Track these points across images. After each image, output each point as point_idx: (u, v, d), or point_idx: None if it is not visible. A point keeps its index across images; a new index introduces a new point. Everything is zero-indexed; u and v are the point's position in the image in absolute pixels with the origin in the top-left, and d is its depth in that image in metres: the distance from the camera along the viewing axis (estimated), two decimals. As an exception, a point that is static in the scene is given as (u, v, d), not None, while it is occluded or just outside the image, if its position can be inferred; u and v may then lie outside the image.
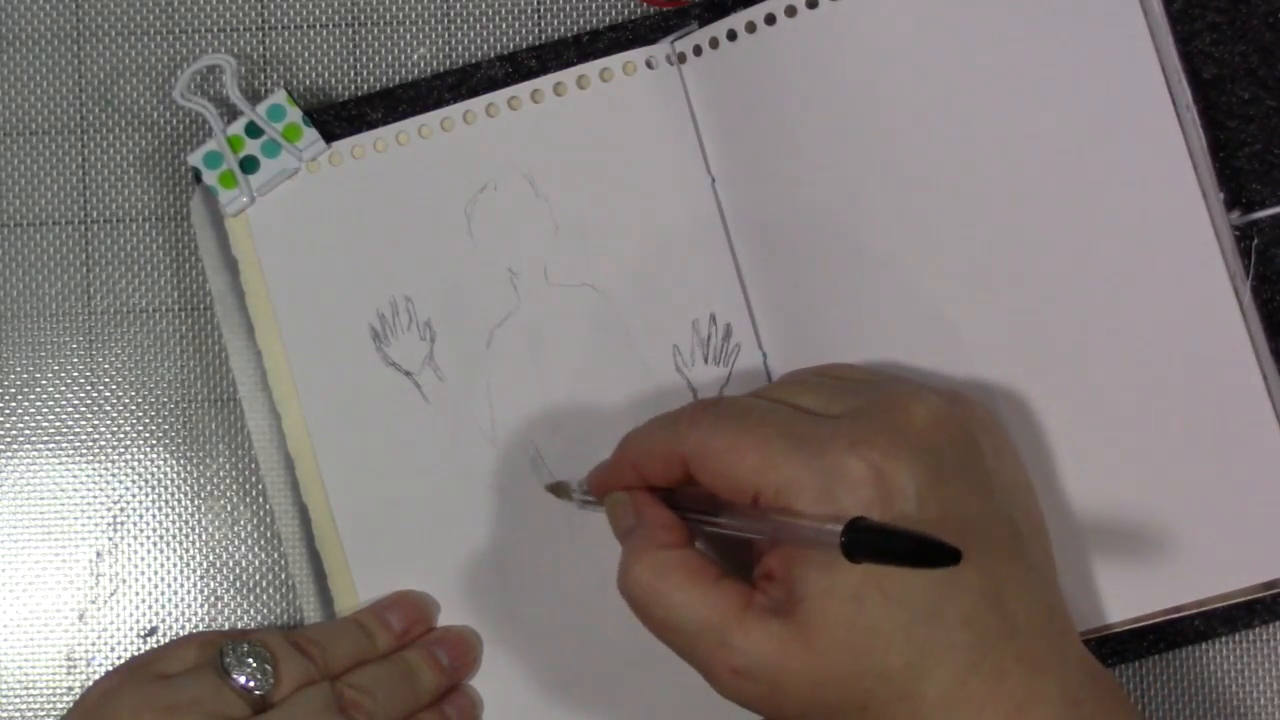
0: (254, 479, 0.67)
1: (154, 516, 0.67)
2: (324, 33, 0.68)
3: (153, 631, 0.67)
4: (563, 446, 0.65)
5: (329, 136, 0.66)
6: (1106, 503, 0.63)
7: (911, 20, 0.63)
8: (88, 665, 0.67)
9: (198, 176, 0.66)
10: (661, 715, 0.65)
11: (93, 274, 0.68)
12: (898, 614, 0.54)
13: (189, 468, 0.67)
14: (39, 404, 0.67)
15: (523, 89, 0.66)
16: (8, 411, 0.67)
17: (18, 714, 0.67)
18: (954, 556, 0.50)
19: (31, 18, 0.68)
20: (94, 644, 0.67)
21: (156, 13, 0.68)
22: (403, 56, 0.68)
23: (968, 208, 0.63)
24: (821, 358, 0.63)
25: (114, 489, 0.67)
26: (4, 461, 0.67)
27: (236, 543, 0.67)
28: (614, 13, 0.68)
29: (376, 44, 0.68)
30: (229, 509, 0.67)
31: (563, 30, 0.68)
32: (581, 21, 0.68)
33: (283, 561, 0.67)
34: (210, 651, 0.60)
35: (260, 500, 0.67)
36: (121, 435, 0.67)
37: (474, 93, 0.66)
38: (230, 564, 0.67)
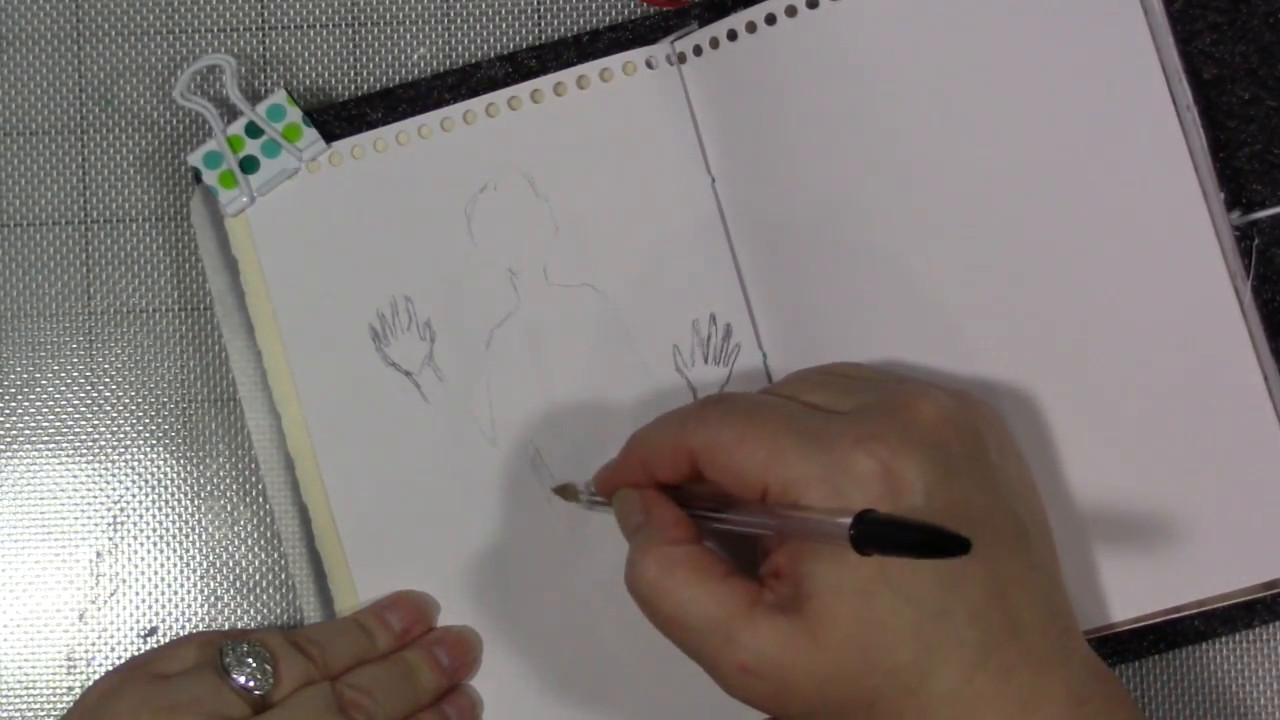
0: (254, 479, 0.67)
1: (154, 516, 0.67)
2: (324, 33, 0.68)
3: (153, 631, 0.67)
4: (563, 446, 0.65)
5: (329, 136, 0.66)
6: (1107, 502, 0.63)
7: (911, 20, 0.63)
8: (88, 665, 0.67)
9: (198, 176, 0.66)
10: (662, 715, 0.65)
11: (93, 274, 0.68)
12: (906, 610, 0.54)
13: (189, 468, 0.67)
14: (39, 404, 0.67)
15: (523, 89, 0.66)
16: (8, 411, 0.67)
17: (18, 714, 0.67)
18: (964, 546, 0.50)
19: (31, 18, 0.68)
20: (94, 644, 0.67)
21: (156, 13, 0.68)
22: (403, 56, 0.68)
23: (968, 207, 0.63)
24: (822, 357, 0.63)
25: (114, 489, 0.67)
26: (4, 461, 0.67)
27: (236, 543, 0.67)
28: (614, 13, 0.68)
29: (376, 44, 0.68)
30: (229, 509, 0.67)
31: (563, 30, 0.68)
32: (581, 21, 0.68)
33: (283, 561, 0.67)
34: (210, 651, 0.60)
35: (260, 500, 0.67)
36: (121, 435, 0.67)
37: (474, 93, 0.66)
38: (230, 564, 0.67)
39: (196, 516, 0.67)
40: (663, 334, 0.65)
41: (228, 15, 0.68)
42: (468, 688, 0.65)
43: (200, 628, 0.67)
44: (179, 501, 0.67)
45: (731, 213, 0.65)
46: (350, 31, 0.68)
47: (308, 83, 0.68)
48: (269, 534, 0.67)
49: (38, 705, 0.67)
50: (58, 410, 0.67)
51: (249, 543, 0.67)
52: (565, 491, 0.64)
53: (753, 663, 0.55)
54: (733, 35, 0.65)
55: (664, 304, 0.65)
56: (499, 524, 0.65)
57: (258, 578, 0.67)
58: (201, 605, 0.67)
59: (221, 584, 0.67)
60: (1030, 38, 0.63)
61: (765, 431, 0.56)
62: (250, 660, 0.59)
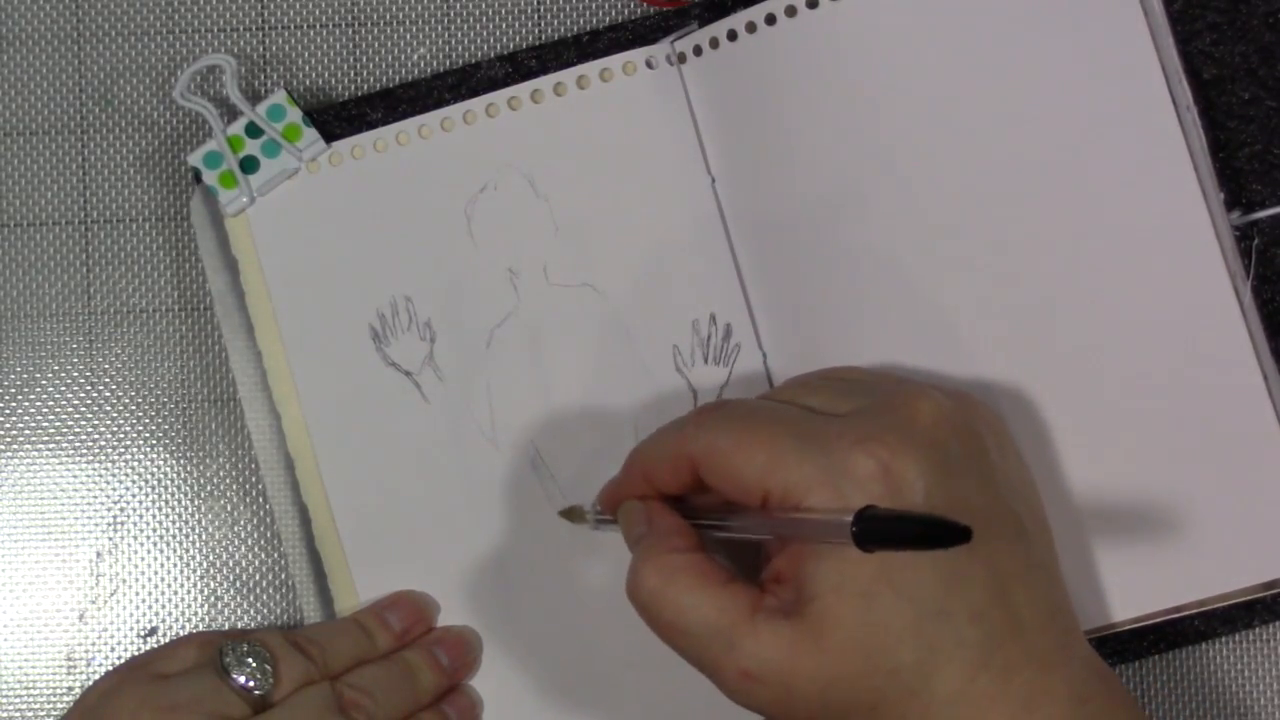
0: (254, 479, 0.67)
1: (154, 516, 0.67)
2: (324, 33, 0.68)
3: (153, 631, 0.67)
4: (563, 447, 0.65)
5: (329, 136, 0.66)
6: (1107, 502, 0.63)
7: (911, 20, 0.63)
8: (88, 665, 0.67)
9: (198, 176, 0.66)
10: (662, 715, 0.65)
11: (93, 274, 0.68)
12: (908, 610, 0.54)
13: (189, 468, 0.67)
14: (39, 404, 0.67)
15: (523, 89, 0.66)
16: (8, 411, 0.67)
17: (18, 714, 0.67)
18: (965, 535, 0.50)
19: (31, 18, 0.68)
20: (94, 644, 0.67)
21: (156, 13, 0.68)
22: (403, 56, 0.68)
23: (967, 208, 0.63)
24: (821, 357, 0.63)
25: (114, 489, 0.67)
26: (4, 461, 0.67)
27: (236, 543, 0.67)
28: (614, 13, 0.68)
29: (376, 44, 0.68)
30: (229, 509, 0.67)
31: (563, 30, 0.68)
32: (581, 21, 0.68)
33: (283, 561, 0.67)
34: (210, 651, 0.60)
35: (260, 500, 0.67)
36: (121, 435, 0.67)
37: (474, 93, 0.66)
38: (230, 564, 0.67)
39: (196, 516, 0.67)
40: (663, 334, 0.65)
41: (228, 15, 0.68)
42: (468, 688, 0.65)
43: (200, 628, 0.67)
44: (179, 501, 0.67)
45: (731, 213, 0.65)
46: (350, 31, 0.68)
47: (308, 83, 0.68)
48: (269, 534, 0.67)
49: (38, 705, 0.67)
50: (58, 410, 0.67)
51: (249, 543, 0.67)
52: (572, 514, 0.64)
53: (756, 668, 0.55)
54: (733, 35, 0.65)
55: (664, 304, 0.65)
56: (499, 524, 0.65)
57: (258, 578, 0.67)
58: (201, 605, 0.67)
59: (221, 584, 0.67)
60: (1030, 38, 0.63)
61: (764, 435, 0.56)
62: (250, 660, 0.59)
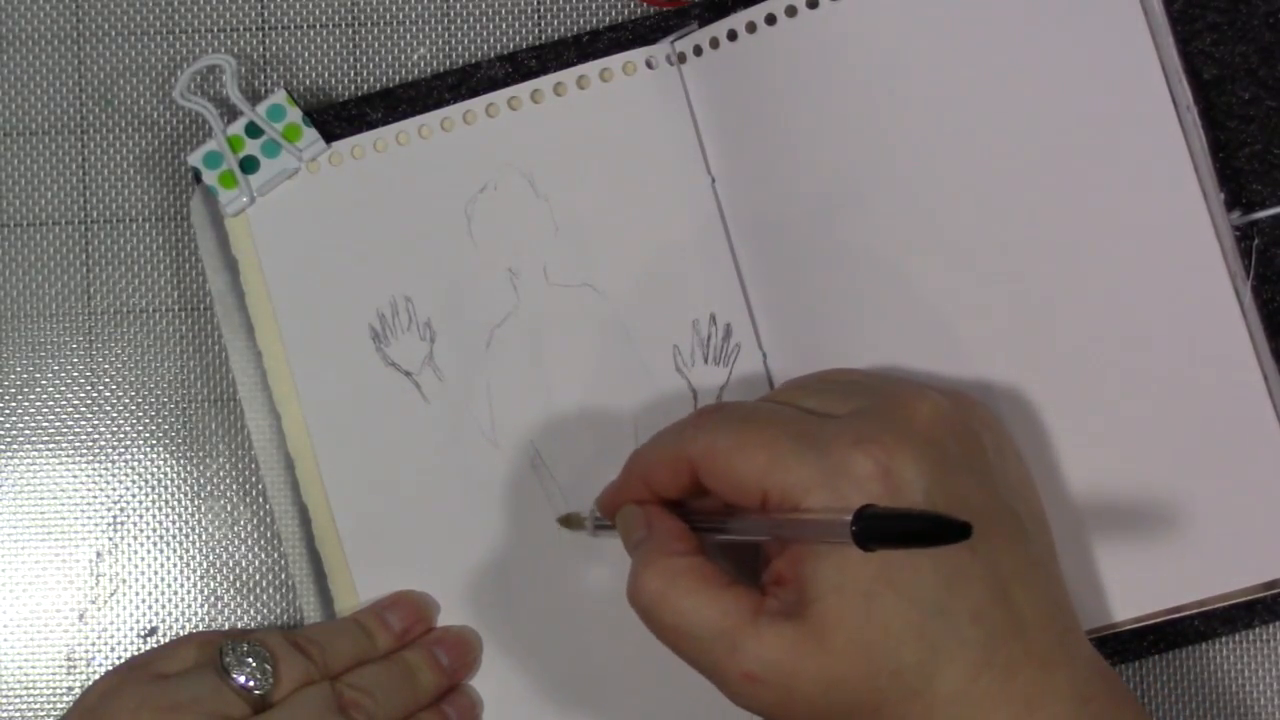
0: (254, 479, 0.67)
1: (154, 516, 0.67)
2: (324, 33, 0.68)
3: (153, 631, 0.67)
4: (563, 447, 0.65)
5: (329, 136, 0.66)
6: (1107, 502, 0.63)
7: (911, 20, 0.63)
8: (88, 665, 0.67)
9: (198, 176, 0.66)
10: (661, 715, 0.65)
11: (93, 274, 0.68)
12: (909, 610, 0.54)
13: (189, 468, 0.67)
14: (39, 404, 0.67)
15: (523, 89, 0.66)
16: (8, 411, 0.67)
17: (18, 714, 0.67)
18: (965, 531, 0.50)
19: (31, 18, 0.68)
20: (94, 644, 0.67)
21: (156, 13, 0.68)
22: (403, 56, 0.68)
23: (967, 208, 0.63)
24: (821, 357, 0.63)
25: (114, 489, 0.67)
26: (4, 461, 0.67)
27: (236, 543, 0.67)
28: (614, 13, 0.68)
29: (376, 44, 0.68)
30: (229, 509, 0.67)
31: (563, 30, 0.68)
32: (581, 21, 0.68)
33: (283, 561, 0.67)
34: (210, 651, 0.60)
35: (260, 500, 0.67)
36: (121, 435, 0.67)
37: (474, 93, 0.66)
38: (230, 564, 0.67)
39: (196, 516, 0.67)
40: (663, 334, 0.65)
41: (228, 15, 0.68)
42: (468, 688, 0.65)
43: (200, 628, 0.67)
44: (179, 501, 0.67)
45: (731, 213, 0.65)
46: (350, 31, 0.68)
47: (308, 83, 0.68)
48: (269, 534, 0.67)
49: (38, 705, 0.67)
50: (58, 410, 0.67)
51: (249, 543, 0.67)
52: (570, 521, 0.64)
53: (759, 670, 0.55)
54: (733, 35, 0.65)
55: (664, 304, 0.65)
56: (499, 524, 0.65)
57: (258, 578, 0.67)
58: (201, 605, 0.67)
59: (221, 584, 0.67)
60: (1030, 38, 0.63)
61: (763, 437, 0.56)
62: (250, 660, 0.59)
